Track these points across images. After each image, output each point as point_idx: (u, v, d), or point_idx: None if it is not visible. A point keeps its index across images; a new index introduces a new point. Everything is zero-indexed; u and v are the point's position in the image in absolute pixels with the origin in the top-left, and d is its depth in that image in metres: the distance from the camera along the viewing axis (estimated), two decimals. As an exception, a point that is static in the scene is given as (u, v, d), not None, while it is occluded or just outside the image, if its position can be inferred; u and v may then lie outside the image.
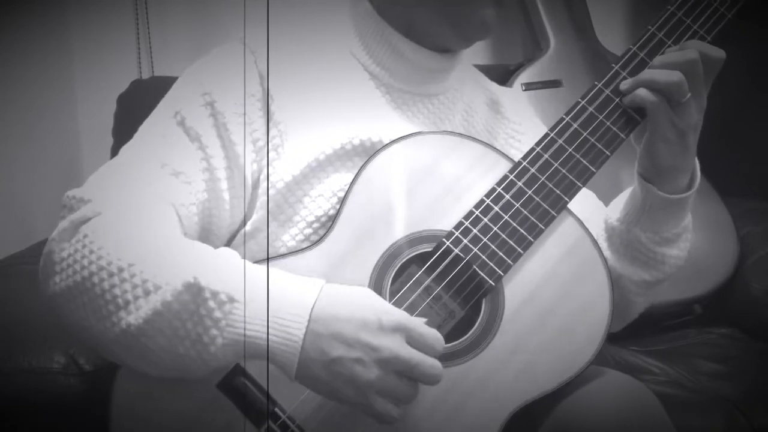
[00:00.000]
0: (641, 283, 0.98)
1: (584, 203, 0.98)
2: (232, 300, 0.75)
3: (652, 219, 0.94)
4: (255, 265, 0.80)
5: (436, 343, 0.76)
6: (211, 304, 0.74)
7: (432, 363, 0.76)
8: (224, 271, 0.77)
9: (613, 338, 1.58)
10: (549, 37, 1.86)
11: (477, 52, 2.01)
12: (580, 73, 1.79)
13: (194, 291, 0.75)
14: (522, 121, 1.09)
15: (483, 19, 0.94)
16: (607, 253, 0.97)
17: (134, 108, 1.48)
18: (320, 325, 0.75)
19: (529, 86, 1.77)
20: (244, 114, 0.91)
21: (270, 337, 0.74)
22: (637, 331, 1.64)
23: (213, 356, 0.75)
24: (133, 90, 1.61)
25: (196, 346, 0.75)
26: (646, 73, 0.88)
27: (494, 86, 1.13)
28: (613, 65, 0.91)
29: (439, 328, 0.85)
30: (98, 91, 1.60)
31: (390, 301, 0.85)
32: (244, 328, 0.75)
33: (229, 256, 0.80)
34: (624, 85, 0.89)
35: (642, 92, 0.87)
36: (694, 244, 1.68)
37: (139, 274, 0.76)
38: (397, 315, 0.76)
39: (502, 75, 1.75)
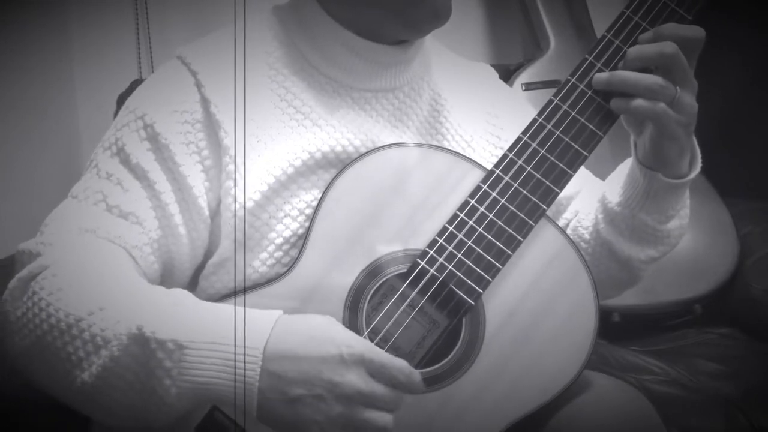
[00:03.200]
0: (649, 260, 0.96)
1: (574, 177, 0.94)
2: (180, 347, 0.72)
3: (658, 202, 0.91)
4: (207, 303, 0.77)
5: (400, 374, 0.74)
6: (160, 354, 0.72)
7: (393, 397, 0.73)
8: (172, 315, 0.74)
9: (613, 338, 1.60)
10: (549, 37, 1.86)
11: (477, 53, 2.01)
12: (580, 73, 1.79)
13: (141, 342, 0.72)
14: (497, 95, 1.06)
15: (433, 7, 0.88)
16: (611, 237, 0.94)
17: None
18: (276, 364, 0.72)
19: (529, 86, 1.77)
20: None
21: (224, 381, 0.71)
22: (637, 331, 1.65)
23: (171, 407, 0.73)
24: (133, 90, 1.60)
25: (152, 398, 0.72)
26: (629, 78, 0.82)
27: (462, 62, 1.08)
28: (587, 56, 0.84)
29: (423, 340, 0.83)
30: (98, 91, 1.60)
31: (367, 328, 0.82)
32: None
33: (178, 298, 0.77)
34: (598, 85, 0.84)
35: (641, 103, 0.82)
36: (695, 244, 1.69)
37: (88, 329, 0.73)
38: (359, 347, 0.73)
39: (502, 75, 1.74)
